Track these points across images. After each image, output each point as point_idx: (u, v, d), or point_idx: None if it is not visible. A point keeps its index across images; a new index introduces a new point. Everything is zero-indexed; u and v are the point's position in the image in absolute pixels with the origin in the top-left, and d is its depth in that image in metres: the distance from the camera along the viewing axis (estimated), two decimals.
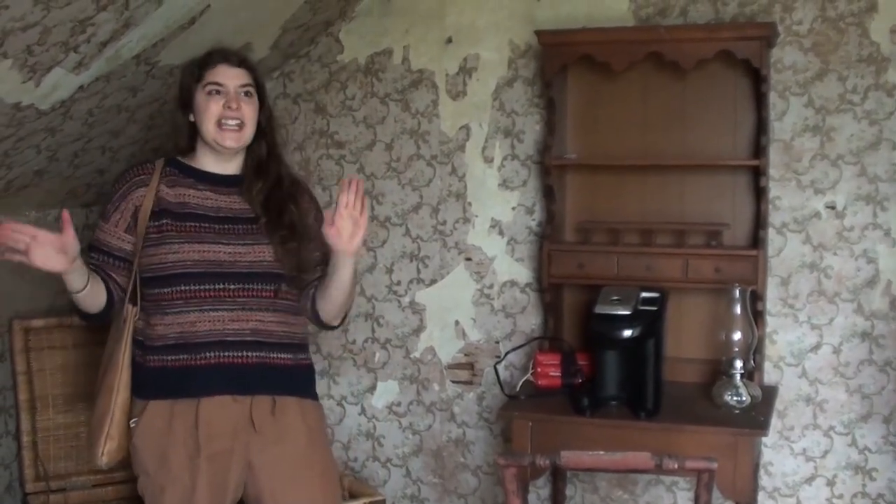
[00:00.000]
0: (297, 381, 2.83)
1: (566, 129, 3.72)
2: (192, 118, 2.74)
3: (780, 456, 3.66)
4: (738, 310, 3.29)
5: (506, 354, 3.76)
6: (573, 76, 3.70)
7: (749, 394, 3.28)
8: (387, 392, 4.07)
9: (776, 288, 3.61)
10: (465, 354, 3.94)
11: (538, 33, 3.54)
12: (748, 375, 3.35)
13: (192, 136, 2.78)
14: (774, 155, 3.60)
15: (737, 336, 3.29)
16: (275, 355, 2.76)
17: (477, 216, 3.89)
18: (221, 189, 2.76)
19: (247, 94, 2.73)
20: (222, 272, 2.69)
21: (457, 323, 3.95)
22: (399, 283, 4.01)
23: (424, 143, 3.93)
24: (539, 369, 3.51)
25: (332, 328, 2.98)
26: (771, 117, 3.58)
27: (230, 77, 2.71)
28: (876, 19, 3.47)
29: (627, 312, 3.22)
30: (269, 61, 3.86)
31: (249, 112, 2.73)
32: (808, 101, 3.56)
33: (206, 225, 2.71)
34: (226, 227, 2.73)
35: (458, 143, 3.89)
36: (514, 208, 3.85)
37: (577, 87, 3.71)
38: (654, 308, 3.26)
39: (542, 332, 3.74)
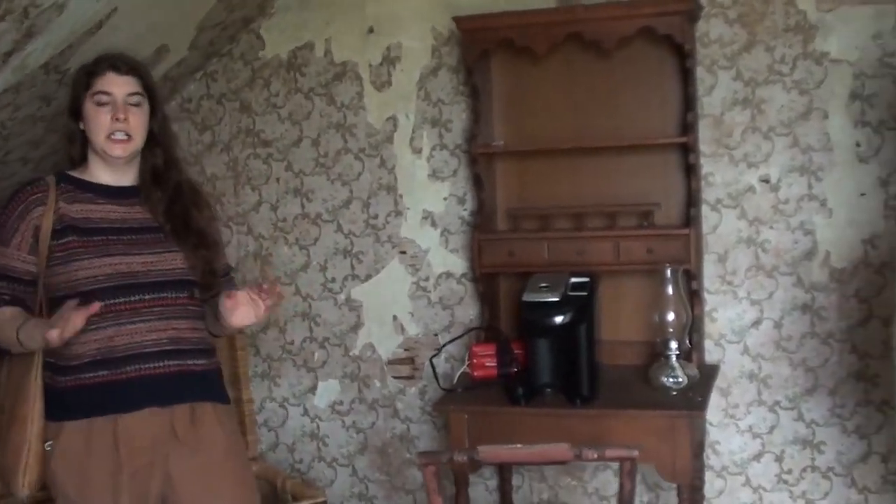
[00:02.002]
0: (212, 385, 2.77)
1: (493, 115, 3.66)
2: (81, 126, 2.66)
3: (727, 434, 3.61)
4: (669, 290, 3.24)
5: (442, 347, 3.70)
6: (497, 61, 3.63)
7: (686, 374, 3.23)
8: (328, 391, 4.01)
9: (713, 265, 3.56)
10: (405, 349, 3.88)
11: (456, 20, 3.48)
12: (685, 356, 3.31)
13: (83, 146, 2.70)
14: (705, 130, 3.54)
15: (670, 317, 3.24)
16: (191, 362, 2.69)
17: (409, 208, 3.83)
18: (122, 201, 2.68)
19: (136, 102, 2.65)
20: (137, 283, 2.60)
21: (395, 318, 3.90)
22: (334, 280, 3.94)
23: (352, 136, 3.86)
24: (474, 360, 3.45)
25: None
26: (699, 92, 3.53)
27: (118, 85, 2.61)
28: None
29: (556, 299, 3.16)
30: (190, 61, 3.79)
31: (137, 121, 2.63)
32: (737, 73, 3.50)
33: (114, 238, 2.62)
34: (134, 237, 2.65)
35: (385, 135, 3.83)
36: (445, 199, 3.79)
37: (503, 72, 3.64)
38: (584, 293, 3.20)
39: (480, 323, 3.68)
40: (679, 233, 3.37)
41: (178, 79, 3.85)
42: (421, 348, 3.86)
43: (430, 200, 3.81)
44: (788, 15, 3.43)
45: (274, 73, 3.91)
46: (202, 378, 2.72)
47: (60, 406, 2.60)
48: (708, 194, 3.56)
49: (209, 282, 2.74)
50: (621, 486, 2.49)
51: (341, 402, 3.99)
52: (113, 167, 2.66)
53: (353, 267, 3.92)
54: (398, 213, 3.84)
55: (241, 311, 2.60)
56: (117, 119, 2.58)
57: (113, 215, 2.64)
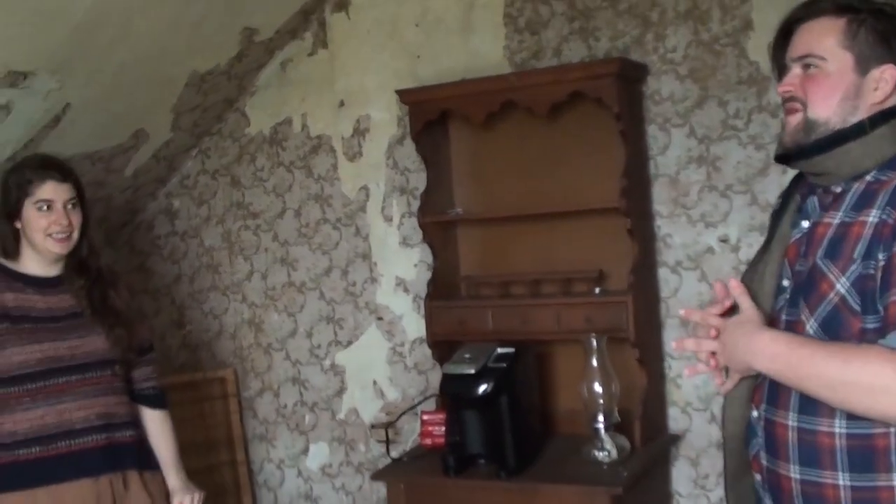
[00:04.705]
0: (141, 454, 2.96)
1: (453, 182, 3.69)
2: (17, 225, 2.90)
3: None
4: (594, 361, 3.17)
5: (399, 416, 3.74)
6: (455, 129, 3.67)
7: (616, 445, 3.14)
8: (319, 454, 4.11)
9: (676, 329, 3.44)
10: (386, 413, 3.93)
11: (399, 93, 3.55)
12: (624, 426, 3.22)
13: (17, 242, 2.94)
14: (661, 190, 3.45)
15: (596, 388, 3.16)
16: (119, 434, 2.89)
17: (382, 275, 3.91)
18: (47, 290, 2.89)
19: (73, 205, 2.87)
20: (63, 366, 2.82)
21: (374, 383, 3.96)
22: (319, 346, 4.05)
23: (329, 206, 3.97)
24: (424, 429, 3.48)
25: None
26: (653, 151, 3.45)
27: (60, 193, 2.83)
28: (752, 38, 3.28)
29: (472, 371, 3.15)
30: (179, 142, 4.01)
31: (76, 221, 2.85)
32: (690, 130, 3.40)
33: (41, 325, 2.84)
34: (59, 325, 2.86)
35: (359, 204, 3.92)
36: (415, 265, 3.84)
37: (460, 139, 3.68)
38: (504, 365, 3.18)
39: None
40: (617, 300, 3.28)
41: (172, 158, 4.08)
42: (400, 413, 3.90)
43: (402, 267, 3.87)
44: (741, 67, 3.30)
45: (258, 148, 4.08)
46: (130, 448, 2.91)
47: None
48: (667, 256, 3.46)
49: (129, 359, 2.93)
50: None
51: (331, 465, 4.08)
52: (44, 260, 2.89)
53: (335, 333, 4.02)
54: (373, 280, 3.92)
55: None
56: (60, 223, 2.80)
57: (40, 304, 2.86)
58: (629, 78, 3.33)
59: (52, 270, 2.90)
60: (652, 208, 3.46)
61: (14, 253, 2.89)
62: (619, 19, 3.45)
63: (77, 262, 2.91)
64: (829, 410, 1.75)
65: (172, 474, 3.06)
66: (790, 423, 1.82)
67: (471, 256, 3.71)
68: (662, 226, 3.46)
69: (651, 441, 3.32)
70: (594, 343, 3.18)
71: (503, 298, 3.52)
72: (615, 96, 3.22)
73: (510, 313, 3.42)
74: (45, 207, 2.80)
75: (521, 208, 3.55)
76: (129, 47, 3.24)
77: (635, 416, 3.28)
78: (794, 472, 1.82)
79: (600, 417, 3.16)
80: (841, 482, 1.76)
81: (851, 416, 1.73)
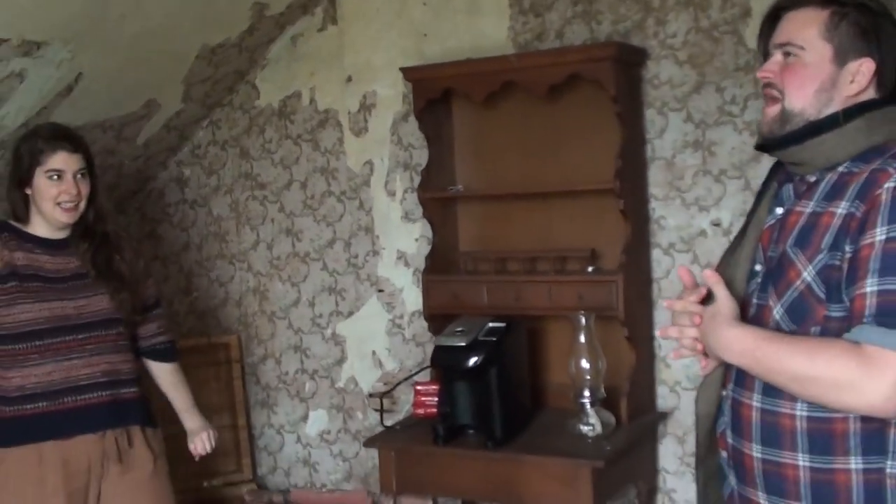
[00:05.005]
0: (143, 411, 3.08)
1: (455, 159, 3.77)
2: (27, 191, 3.00)
3: (684, 482, 3.54)
4: (582, 338, 3.25)
5: (396, 386, 3.83)
6: (458, 107, 3.74)
7: (601, 421, 3.23)
8: (318, 421, 4.22)
9: (666, 311, 3.49)
10: (384, 383, 4.03)
11: (403, 70, 3.62)
12: (610, 401, 3.30)
13: (27, 207, 3.05)
14: (657, 173, 3.52)
15: (584, 364, 3.24)
16: (124, 391, 3.02)
17: (384, 248, 4.00)
18: (55, 252, 3.00)
19: (83, 175, 2.97)
20: (70, 325, 2.94)
21: (374, 353, 4.06)
22: (321, 315, 4.15)
23: (334, 179, 4.06)
24: (417, 399, 3.57)
25: None
26: (650, 135, 3.51)
27: (70, 163, 2.93)
28: (751, 25, 3.32)
29: (463, 343, 3.24)
30: (190, 112, 4.11)
31: (84, 191, 2.96)
32: (687, 115, 3.46)
33: (49, 285, 2.96)
34: (66, 284, 2.97)
35: (363, 179, 4.01)
36: (416, 239, 3.92)
37: (462, 117, 3.75)
38: (494, 339, 3.26)
39: None
40: (608, 279, 3.35)
41: (183, 128, 4.18)
42: (395, 383, 3.98)
43: (403, 241, 3.96)
44: (738, 54, 3.36)
45: (268, 120, 4.17)
46: (134, 404, 3.05)
47: (4, 433, 2.94)
48: (660, 238, 3.53)
49: (134, 318, 3.07)
50: None
51: (329, 432, 4.20)
52: (54, 226, 3.00)
53: (337, 303, 4.12)
54: (375, 253, 4.01)
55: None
56: (69, 192, 2.91)
57: (48, 265, 2.97)
58: (627, 62, 3.39)
59: (59, 234, 3.01)
60: (647, 191, 3.53)
61: (24, 218, 3.00)
62: (621, 4, 3.50)
63: (83, 228, 3.03)
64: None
65: (189, 417, 3.26)
66: (754, 403, 1.89)
67: (470, 232, 3.79)
68: (657, 208, 3.52)
69: (638, 418, 3.40)
70: (582, 320, 3.25)
71: (498, 274, 3.60)
72: (612, 79, 3.28)
73: (504, 288, 3.50)
74: (55, 177, 2.91)
75: (520, 187, 3.63)
76: (140, 20, 3.33)
77: (622, 393, 3.36)
78: (756, 451, 1.89)
79: (586, 393, 3.24)
80: (800, 462, 1.82)
81: None
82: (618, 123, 3.37)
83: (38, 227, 2.99)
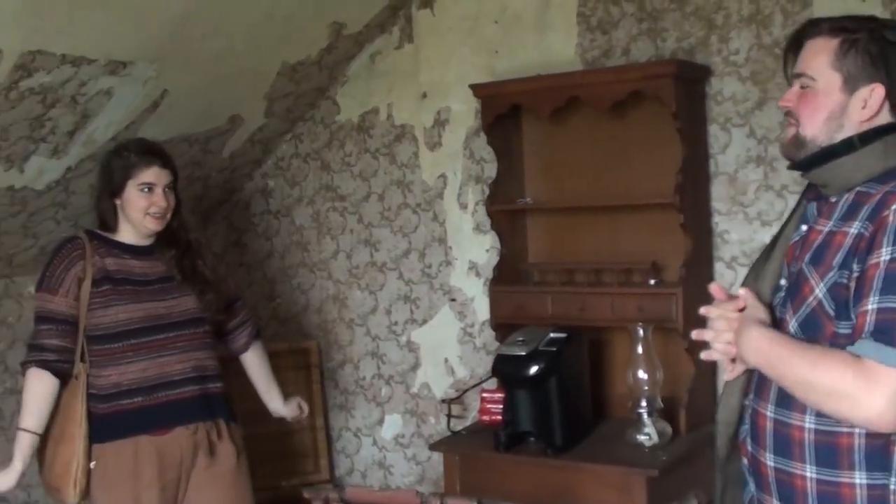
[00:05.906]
0: (226, 405, 3.29)
1: (524, 172, 3.87)
2: (117, 202, 3.22)
3: None
4: (639, 349, 3.31)
5: (464, 393, 3.95)
6: (528, 122, 3.84)
7: (658, 431, 3.29)
8: (393, 425, 4.36)
9: None
10: (456, 390, 4.14)
11: (473, 87, 3.74)
12: (669, 412, 3.35)
13: (116, 216, 3.26)
14: (720, 188, 3.57)
15: (641, 374, 3.31)
16: (212, 385, 3.24)
17: (457, 259, 4.12)
18: (142, 257, 3.22)
19: (170, 188, 3.19)
20: (162, 324, 3.15)
21: (446, 360, 4.18)
22: (397, 323, 4.30)
23: (409, 192, 4.20)
24: (483, 406, 3.68)
25: None
26: (714, 150, 3.57)
27: (161, 178, 3.15)
28: None
29: (523, 353, 3.34)
30: (273, 126, 4.30)
31: (170, 203, 3.19)
32: (750, 131, 3.50)
33: (140, 287, 3.18)
34: (155, 287, 3.19)
35: (437, 191, 4.14)
36: (487, 250, 4.04)
37: (532, 131, 3.85)
38: (555, 349, 3.35)
39: None
40: (668, 291, 3.41)
41: (267, 141, 4.38)
42: (464, 390, 4.10)
43: (474, 252, 4.07)
44: None
45: (347, 134, 4.34)
46: (220, 398, 3.27)
47: (101, 429, 3.14)
48: (723, 252, 3.57)
49: (218, 318, 3.31)
50: None
51: (403, 436, 4.33)
52: (140, 234, 3.21)
53: (412, 312, 4.26)
54: (448, 263, 4.14)
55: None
56: (158, 204, 3.13)
57: (136, 269, 3.19)
58: (688, 79, 3.44)
59: (145, 241, 3.22)
60: (711, 205, 3.58)
61: (113, 227, 3.21)
62: (685, 21, 3.56)
63: (168, 236, 3.24)
64: (802, 405, 1.89)
65: (277, 394, 3.51)
66: (769, 413, 1.97)
67: (538, 244, 3.89)
68: (720, 222, 3.57)
69: (697, 429, 3.44)
70: (640, 331, 3.32)
71: (564, 285, 3.68)
72: (672, 96, 3.35)
73: (569, 299, 3.59)
74: (146, 189, 3.12)
75: (586, 200, 3.73)
76: (222, 39, 3.52)
77: (681, 404, 3.42)
78: (769, 459, 1.97)
79: (643, 403, 3.30)
80: (808, 474, 1.89)
81: (820, 413, 1.86)
82: (679, 139, 3.44)
83: (126, 235, 3.20)
